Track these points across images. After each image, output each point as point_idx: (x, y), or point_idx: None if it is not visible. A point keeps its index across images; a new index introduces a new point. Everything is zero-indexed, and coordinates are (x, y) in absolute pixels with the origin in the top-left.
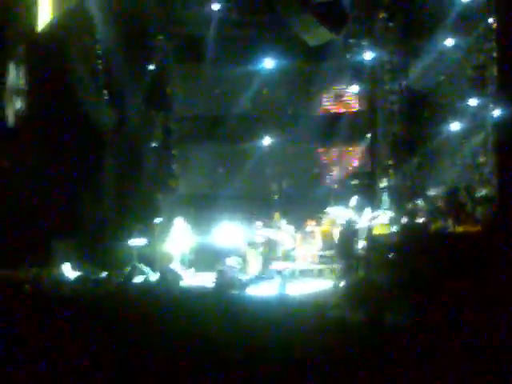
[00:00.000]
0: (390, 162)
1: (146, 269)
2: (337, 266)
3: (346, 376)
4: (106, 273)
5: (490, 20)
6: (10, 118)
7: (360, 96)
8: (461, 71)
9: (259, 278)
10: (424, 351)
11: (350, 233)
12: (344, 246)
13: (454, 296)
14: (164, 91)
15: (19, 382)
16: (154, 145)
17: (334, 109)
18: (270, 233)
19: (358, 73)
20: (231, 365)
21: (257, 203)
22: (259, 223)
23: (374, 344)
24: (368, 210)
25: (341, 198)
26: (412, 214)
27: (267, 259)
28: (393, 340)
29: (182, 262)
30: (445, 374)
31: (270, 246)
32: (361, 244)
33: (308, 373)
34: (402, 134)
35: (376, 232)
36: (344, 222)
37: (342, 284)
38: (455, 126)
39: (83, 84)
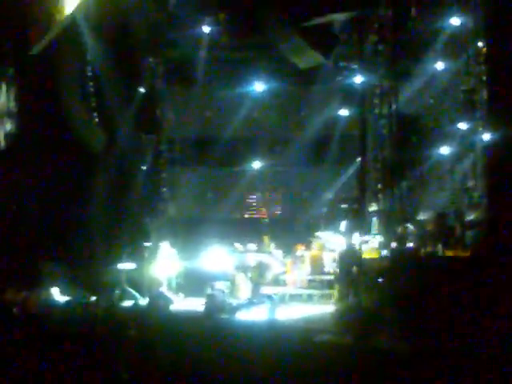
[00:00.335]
0: (380, 186)
1: (135, 293)
2: (331, 291)
3: None
4: (95, 297)
5: (480, 44)
6: (0, 140)
7: (350, 119)
8: (450, 95)
9: (249, 303)
10: (413, 375)
11: (349, 259)
12: (343, 272)
13: (443, 320)
14: (154, 113)
15: None
16: (143, 167)
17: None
18: (260, 257)
19: (348, 96)
20: None
21: (246, 227)
22: (250, 247)
23: (362, 368)
24: (357, 235)
25: (330, 222)
26: (401, 239)
27: (257, 284)
28: (381, 364)
29: (170, 286)
30: None
31: (259, 271)
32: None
33: None
34: (391, 158)
35: (366, 256)
36: (343, 248)
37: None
38: (444, 150)
39: (73, 106)
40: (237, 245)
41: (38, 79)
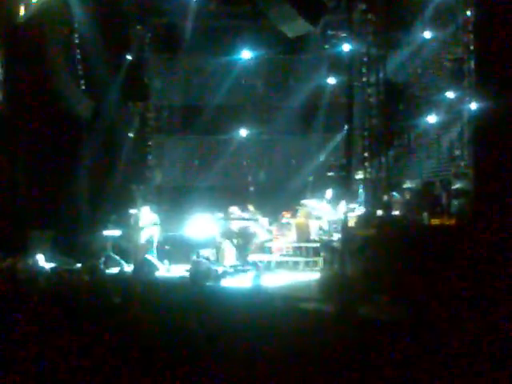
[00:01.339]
0: (366, 155)
1: (121, 260)
2: (316, 259)
3: (317, 368)
4: (81, 263)
5: (468, 12)
6: None
7: (337, 88)
8: (438, 64)
9: (234, 270)
10: (398, 344)
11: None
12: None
13: (427, 288)
14: (141, 81)
15: None
16: (130, 135)
17: None
18: (246, 224)
19: (335, 64)
20: (205, 356)
21: (232, 195)
22: (235, 213)
23: (347, 336)
24: (343, 203)
25: (317, 190)
26: (387, 207)
27: (242, 251)
28: (366, 332)
29: (155, 253)
30: (419, 367)
31: (245, 238)
32: (336, 236)
33: (279, 365)
34: (378, 127)
35: (351, 224)
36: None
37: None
38: (432, 119)
39: (60, 74)
40: (232, 208)
41: (25, 47)
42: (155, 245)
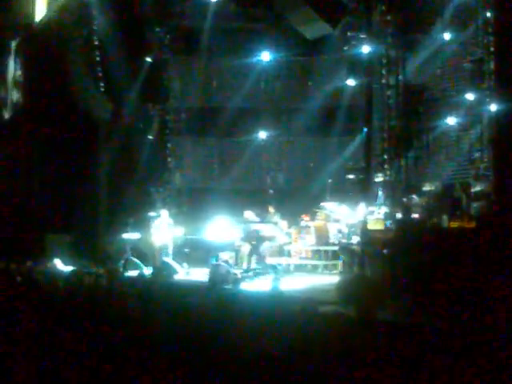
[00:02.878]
0: (386, 157)
1: (140, 263)
2: (335, 262)
3: (337, 371)
4: (100, 267)
5: (488, 14)
6: (7, 110)
7: (357, 90)
8: (458, 65)
9: (253, 273)
10: (417, 347)
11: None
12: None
13: (447, 292)
14: (161, 84)
15: (11, 375)
16: (149, 137)
17: None
18: (265, 227)
19: (354, 66)
20: (223, 359)
21: (251, 197)
22: (254, 216)
23: (366, 340)
24: (363, 205)
25: (336, 192)
26: (407, 210)
27: (261, 254)
28: (385, 336)
29: (174, 256)
30: (438, 371)
31: (264, 241)
32: (355, 239)
33: (298, 368)
34: (397, 129)
35: (370, 227)
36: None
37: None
38: (451, 121)
39: (80, 76)
40: (247, 213)
41: (44, 49)
42: (174, 248)
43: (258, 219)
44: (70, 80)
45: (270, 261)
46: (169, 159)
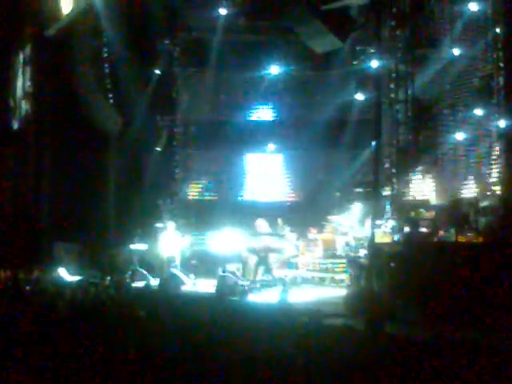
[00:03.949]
0: (394, 171)
1: (147, 273)
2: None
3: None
4: (107, 277)
5: (497, 30)
6: (16, 121)
7: (365, 104)
8: (467, 80)
9: (261, 285)
10: (424, 361)
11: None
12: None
13: (455, 305)
14: (169, 96)
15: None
16: (157, 149)
17: None
18: (273, 239)
19: (364, 80)
20: (231, 370)
21: (259, 209)
22: (262, 228)
23: (373, 353)
24: (370, 219)
25: (344, 206)
26: (414, 224)
27: (269, 266)
28: (392, 349)
29: (181, 267)
30: None
31: (271, 253)
32: (363, 252)
33: (305, 379)
34: (406, 143)
35: (378, 240)
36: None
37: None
38: (460, 136)
39: (89, 87)
40: (260, 221)
41: (54, 60)
42: (181, 259)
43: (270, 229)
44: (78, 92)
45: (277, 273)
46: (176, 171)
